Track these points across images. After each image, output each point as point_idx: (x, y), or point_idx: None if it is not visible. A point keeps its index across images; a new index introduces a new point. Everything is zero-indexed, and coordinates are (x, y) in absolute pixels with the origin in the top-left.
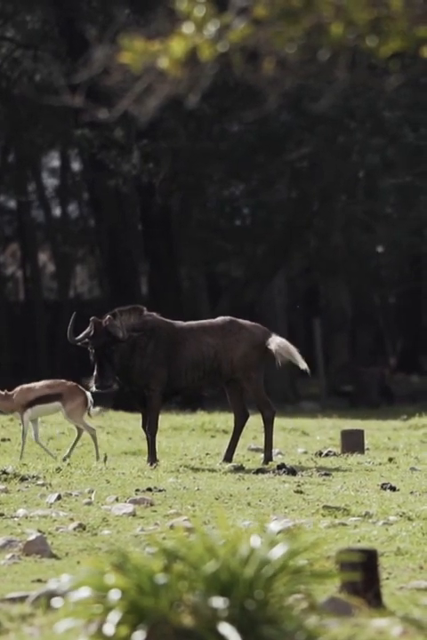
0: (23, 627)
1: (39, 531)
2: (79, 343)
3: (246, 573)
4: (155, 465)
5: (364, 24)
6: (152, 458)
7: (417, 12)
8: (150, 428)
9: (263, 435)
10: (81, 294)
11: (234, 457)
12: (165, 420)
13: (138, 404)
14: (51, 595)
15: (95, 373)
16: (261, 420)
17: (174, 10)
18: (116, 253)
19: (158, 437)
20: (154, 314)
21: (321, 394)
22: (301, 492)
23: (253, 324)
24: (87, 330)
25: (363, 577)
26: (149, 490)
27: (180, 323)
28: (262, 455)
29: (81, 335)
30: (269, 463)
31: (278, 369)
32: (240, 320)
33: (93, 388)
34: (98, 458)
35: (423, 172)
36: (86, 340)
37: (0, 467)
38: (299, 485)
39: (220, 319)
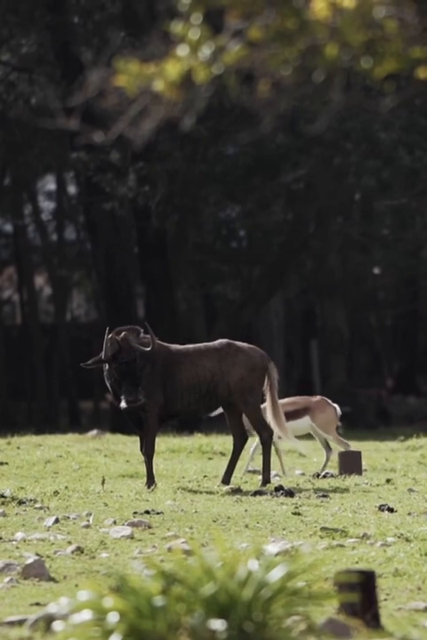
0: None
1: (37, 554)
2: (109, 362)
3: (245, 595)
4: (152, 487)
5: (358, 45)
6: (150, 480)
7: (411, 33)
8: (147, 450)
9: (261, 457)
10: (77, 317)
11: (232, 479)
12: (163, 443)
13: (135, 426)
14: (49, 618)
15: (123, 389)
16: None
17: (169, 32)
18: (113, 276)
19: (156, 460)
20: (149, 336)
21: None
22: (298, 514)
23: (251, 346)
24: (108, 348)
25: (361, 598)
26: (147, 512)
27: (176, 346)
28: (260, 477)
29: (107, 354)
30: (268, 485)
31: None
32: (238, 343)
33: (124, 405)
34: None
35: (419, 193)
36: (117, 357)
37: None
38: (297, 507)
39: (217, 342)
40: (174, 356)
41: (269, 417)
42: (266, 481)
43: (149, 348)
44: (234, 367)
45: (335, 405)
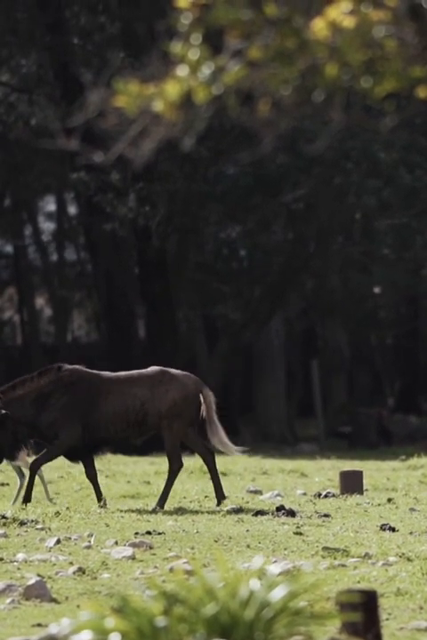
0: None
1: (39, 575)
2: None
3: (247, 615)
4: (24, 506)
5: (358, 65)
6: (27, 496)
7: (411, 52)
8: (34, 463)
9: (163, 485)
10: (78, 338)
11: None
12: (164, 463)
13: (80, 454)
14: (51, 639)
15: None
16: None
17: (169, 53)
18: (113, 297)
19: (157, 480)
20: (77, 367)
21: (319, 435)
22: (300, 534)
23: (185, 374)
24: None
25: (363, 618)
26: (149, 533)
27: (107, 374)
28: (261, 497)
29: None
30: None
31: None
32: (171, 370)
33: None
34: None
35: (420, 212)
36: None
37: None
38: (298, 527)
39: (150, 369)
40: (103, 384)
41: (210, 437)
42: (161, 507)
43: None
44: (167, 394)
45: None
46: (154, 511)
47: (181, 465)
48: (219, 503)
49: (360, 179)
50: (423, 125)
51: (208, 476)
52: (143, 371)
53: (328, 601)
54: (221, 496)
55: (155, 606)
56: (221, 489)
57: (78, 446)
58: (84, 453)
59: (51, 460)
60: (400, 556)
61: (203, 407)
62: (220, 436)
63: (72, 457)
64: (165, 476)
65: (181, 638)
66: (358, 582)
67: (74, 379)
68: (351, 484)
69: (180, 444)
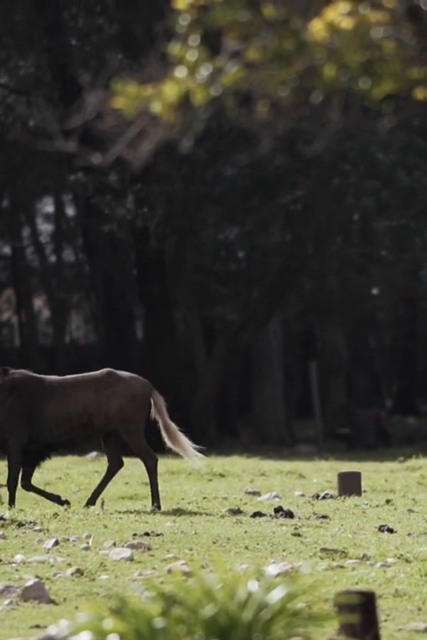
0: None
1: (37, 576)
2: None
3: (245, 617)
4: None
5: (356, 66)
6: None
7: (409, 53)
8: (8, 483)
9: (149, 485)
10: (76, 339)
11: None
12: (162, 465)
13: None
14: None
15: None
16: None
17: (167, 54)
18: (111, 298)
19: None
20: (23, 371)
21: (318, 436)
22: (298, 535)
23: (132, 376)
24: None
25: (361, 619)
26: (147, 534)
27: (52, 378)
28: (259, 498)
29: None
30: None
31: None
32: (119, 372)
33: None
34: None
35: (418, 214)
36: None
37: None
38: (296, 528)
39: (98, 372)
40: (46, 388)
41: (166, 440)
42: (158, 507)
43: None
44: (114, 397)
45: None
46: (152, 512)
47: (155, 459)
48: (86, 505)
49: (358, 180)
50: (422, 127)
51: (207, 477)
52: (91, 373)
53: (326, 602)
54: (91, 501)
55: (153, 607)
56: (97, 497)
57: (26, 450)
58: (33, 458)
59: (17, 469)
60: (399, 558)
61: (153, 410)
62: (180, 440)
63: (23, 462)
64: (164, 478)
65: (179, 639)
66: (357, 583)
67: (18, 383)
68: (350, 485)
69: (144, 440)
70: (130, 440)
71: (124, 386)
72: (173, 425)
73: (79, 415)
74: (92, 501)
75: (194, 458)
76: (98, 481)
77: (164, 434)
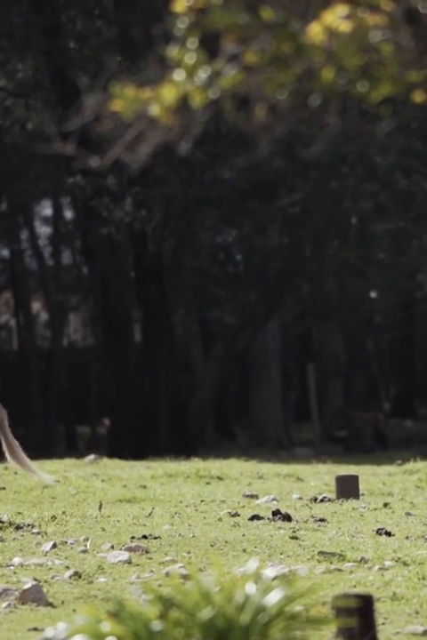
0: None
1: (35, 579)
2: None
3: (242, 620)
4: None
5: (354, 69)
6: None
7: (408, 56)
8: None
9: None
10: (74, 342)
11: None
12: (160, 468)
13: None
14: None
15: None
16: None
17: (165, 57)
18: (109, 301)
19: (153, 484)
20: None
21: (315, 439)
22: (296, 538)
23: None
24: None
25: (359, 622)
26: (145, 537)
27: None
28: (258, 501)
29: None
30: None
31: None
32: None
33: None
34: None
35: (416, 217)
36: None
37: None
38: (294, 531)
39: None
40: None
41: (8, 456)
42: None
43: None
44: None
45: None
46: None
47: None
48: None
49: (356, 183)
50: (420, 130)
51: (205, 480)
52: None
53: (324, 605)
54: None
55: (151, 610)
56: None
57: None
58: None
59: None
60: (396, 561)
61: None
62: (18, 455)
63: None
64: (161, 481)
65: None
66: (354, 587)
67: None
68: (347, 488)
69: None
70: None
71: None
72: (13, 439)
73: None
74: None
75: (35, 471)
76: (96, 484)
77: (5, 449)
